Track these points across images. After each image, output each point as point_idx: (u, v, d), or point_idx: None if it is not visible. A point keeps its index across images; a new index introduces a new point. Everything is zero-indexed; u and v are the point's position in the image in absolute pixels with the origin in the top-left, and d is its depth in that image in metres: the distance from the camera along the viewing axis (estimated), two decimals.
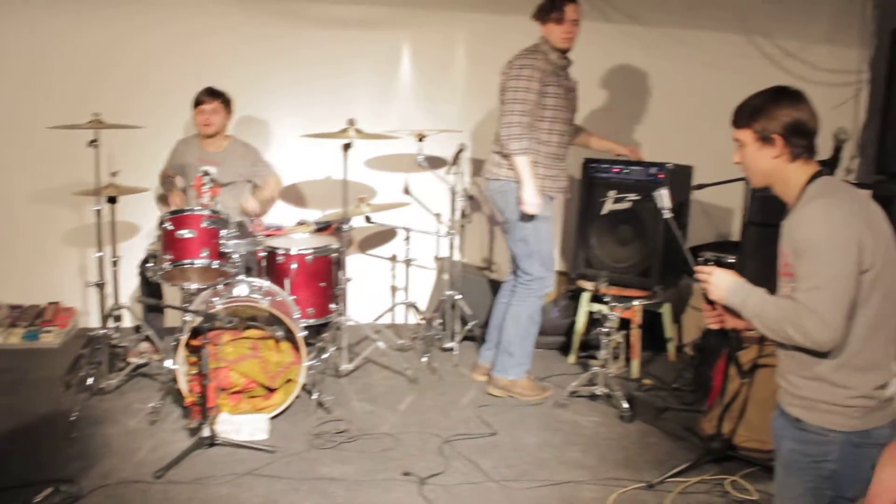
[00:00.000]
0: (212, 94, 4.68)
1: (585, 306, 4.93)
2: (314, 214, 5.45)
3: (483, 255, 5.87)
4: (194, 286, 4.11)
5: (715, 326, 2.34)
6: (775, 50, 5.84)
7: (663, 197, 2.62)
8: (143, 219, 5.26)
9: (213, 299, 3.94)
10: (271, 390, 4.03)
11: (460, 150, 4.90)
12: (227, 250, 3.99)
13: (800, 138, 2.09)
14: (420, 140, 4.92)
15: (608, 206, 4.82)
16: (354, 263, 5.48)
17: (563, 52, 4.18)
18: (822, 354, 2.01)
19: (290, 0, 5.37)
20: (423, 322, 5.26)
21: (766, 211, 4.18)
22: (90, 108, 4.11)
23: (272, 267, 4.54)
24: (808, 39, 5.83)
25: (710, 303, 2.30)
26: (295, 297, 4.41)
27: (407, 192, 5.65)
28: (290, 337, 4.00)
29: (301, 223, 5.03)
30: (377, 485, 3.36)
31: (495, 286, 5.03)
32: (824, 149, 3.49)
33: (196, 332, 3.71)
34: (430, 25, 5.56)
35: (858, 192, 2.11)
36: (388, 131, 4.83)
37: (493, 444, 3.81)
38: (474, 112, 5.55)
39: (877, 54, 5.74)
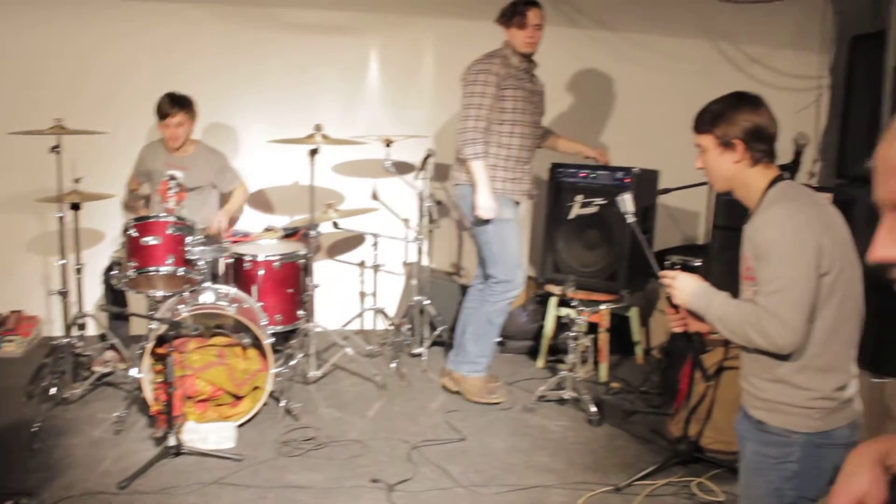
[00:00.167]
0: (175, 102, 4.56)
1: (553, 311, 4.95)
2: (282, 220, 5.42)
3: (452, 260, 5.88)
4: (160, 294, 4.07)
5: (679, 330, 2.35)
6: (740, 55, 5.92)
7: (626, 201, 2.64)
8: (108, 226, 5.20)
9: (179, 307, 3.90)
10: (238, 398, 4.00)
11: (428, 156, 4.91)
12: (192, 257, 3.97)
13: (760, 143, 2.12)
14: (387, 145, 4.92)
15: (575, 211, 4.84)
16: (323, 269, 5.45)
17: (527, 55, 4.20)
18: (783, 357, 2.04)
19: (257, 5, 5.34)
20: (392, 328, 5.25)
21: (732, 214, 4.23)
22: (53, 115, 4.06)
23: (239, 274, 4.50)
24: (771, 45, 5.92)
25: (674, 306, 2.32)
26: (262, 303, 4.38)
27: (375, 197, 5.64)
28: (257, 344, 3.97)
29: (268, 229, 5.01)
30: (345, 492, 3.34)
31: (464, 291, 5.03)
32: (786, 153, 3.55)
33: (162, 340, 3.67)
34: (397, 31, 5.56)
35: (817, 196, 2.14)
36: (355, 137, 4.82)
37: (462, 449, 3.81)
38: (442, 117, 5.56)
39: (837, 60, 5.84)
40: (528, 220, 5.71)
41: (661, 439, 3.95)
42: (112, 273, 4.41)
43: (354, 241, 5.72)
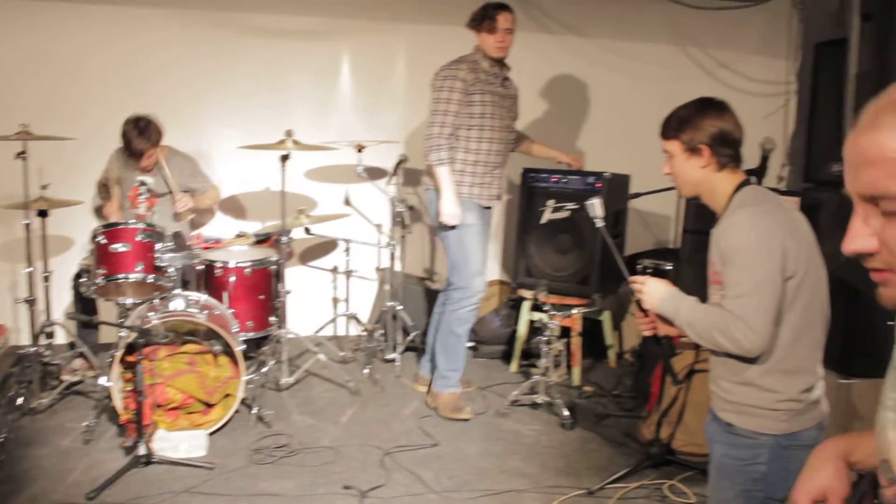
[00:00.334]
0: (142, 133, 4.42)
1: (526, 315, 4.97)
2: (254, 226, 5.38)
3: (424, 265, 5.88)
4: (129, 301, 4.03)
5: (648, 333, 2.37)
6: (709, 60, 5.98)
7: (595, 206, 2.66)
8: (76, 232, 5.13)
9: (149, 314, 3.86)
10: (209, 406, 3.97)
11: (401, 161, 4.91)
12: (162, 264, 3.93)
13: (726, 148, 2.14)
14: (359, 151, 4.91)
15: (547, 216, 4.86)
16: (295, 275, 5.44)
17: (498, 60, 4.19)
18: (750, 360, 2.06)
19: (229, 10, 5.31)
20: (365, 333, 5.24)
21: (702, 218, 4.27)
22: (20, 120, 4.01)
23: (210, 280, 4.47)
24: (740, 51, 5.99)
25: (644, 310, 2.33)
26: (234, 310, 4.35)
27: (347, 203, 5.63)
28: (228, 351, 3.94)
29: (240, 235, 4.97)
30: (318, 499, 3.33)
31: (437, 296, 5.04)
32: (754, 158, 3.60)
33: (132, 348, 3.63)
34: (369, 36, 5.55)
35: (783, 200, 2.17)
36: (327, 142, 4.80)
37: (435, 454, 3.81)
38: (414, 122, 5.56)
39: (803, 66, 5.92)
40: (500, 224, 5.73)
41: (634, 442, 3.97)
42: (81, 280, 4.36)
43: (327, 246, 5.70)
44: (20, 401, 4.01)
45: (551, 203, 4.85)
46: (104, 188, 4.77)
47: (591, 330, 5.02)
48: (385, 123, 5.56)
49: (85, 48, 5.09)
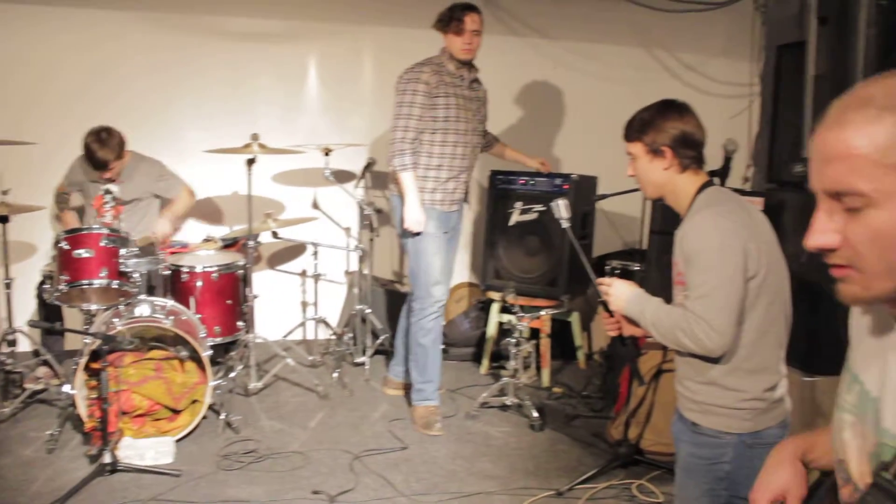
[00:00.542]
0: (104, 145, 4.34)
1: (495, 317, 4.98)
2: (221, 230, 5.35)
3: (393, 269, 5.87)
4: (94, 307, 3.97)
5: (613, 333, 2.38)
6: (675, 63, 6.04)
7: (560, 207, 2.66)
8: (39, 239, 5.06)
9: (114, 320, 3.81)
10: (177, 412, 3.93)
11: (369, 164, 4.89)
12: (127, 269, 3.87)
13: (688, 149, 2.16)
14: (327, 154, 4.89)
15: (515, 218, 4.88)
16: (263, 279, 5.40)
17: (465, 62, 4.12)
18: (714, 360, 2.08)
19: (194, 13, 5.26)
20: (334, 337, 5.21)
21: (667, 219, 4.30)
22: None
23: (177, 285, 4.42)
24: (705, 53, 6.06)
25: (609, 311, 2.35)
26: (201, 315, 4.31)
27: (316, 206, 5.60)
28: (195, 357, 3.91)
29: (207, 240, 4.93)
30: None
31: (405, 299, 5.03)
32: (718, 159, 3.63)
33: (96, 355, 3.58)
34: (336, 39, 5.53)
35: (744, 200, 2.19)
36: (294, 146, 4.78)
37: (404, 458, 3.80)
38: (381, 125, 5.52)
39: (766, 68, 5.99)
40: (468, 227, 5.73)
41: (603, 443, 3.99)
42: (44, 287, 4.29)
43: (297, 250, 5.67)
44: None
45: (519, 205, 4.87)
46: (63, 197, 4.70)
47: (560, 331, 5.04)
48: (352, 126, 5.54)
49: (49, 52, 5.01)
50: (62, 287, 3.81)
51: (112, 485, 3.38)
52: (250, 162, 4.28)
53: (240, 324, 4.52)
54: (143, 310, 3.90)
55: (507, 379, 4.34)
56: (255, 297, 4.55)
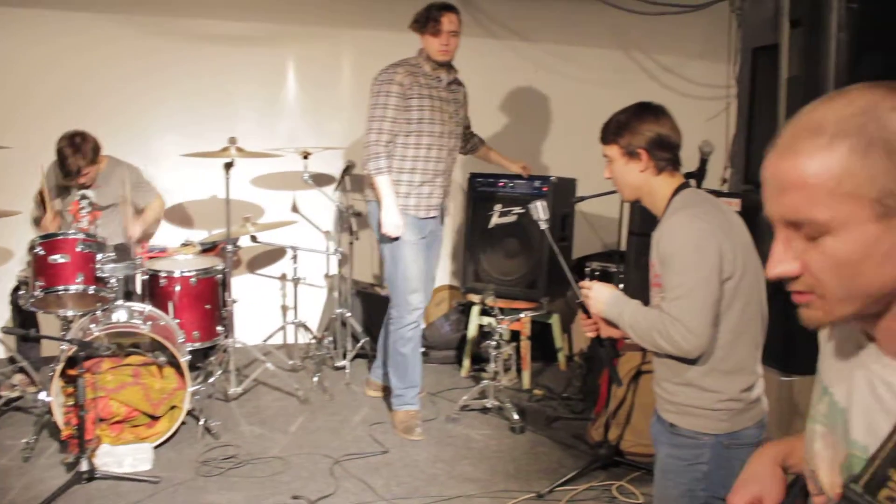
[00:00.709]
0: (77, 150, 4.28)
1: (476, 319, 4.98)
2: (200, 235, 5.30)
3: (373, 272, 5.85)
4: (70, 313, 3.93)
5: (591, 335, 2.39)
6: (653, 65, 6.07)
7: (538, 208, 2.67)
8: (14, 244, 5.00)
9: (91, 326, 3.78)
10: (155, 418, 3.90)
11: (348, 167, 4.88)
12: (104, 275, 3.84)
13: (663, 151, 2.17)
14: (305, 157, 4.87)
15: (494, 220, 4.89)
16: (243, 284, 5.38)
17: (444, 63, 4.04)
18: (691, 361, 2.09)
19: (173, 17, 5.23)
20: (314, 341, 5.19)
21: (646, 221, 4.31)
22: None
23: (155, 290, 4.39)
24: (682, 55, 6.10)
25: (587, 312, 2.35)
26: (179, 320, 4.28)
27: (295, 209, 5.58)
28: (173, 362, 3.88)
29: (185, 244, 4.90)
30: None
31: (385, 302, 5.02)
32: (694, 161, 3.65)
33: (73, 362, 3.55)
34: (315, 42, 5.52)
35: (720, 202, 2.20)
36: (273, 149, 4.76)
37: (385, 461, 3.79)
38: (360, 129, 5.47)
39: (742, 70, 6.04)
40: (448, 229, 5.73)
41: (583, 444, 4.00)
42: (19, 293, 4.24)
43: (277, 254, 5.64)
44: None
45: (498, 207, 4.87)
46: (42, 200, 4.65)
47: (541, 333, 5.05)
48: (331, 130, 5.53)
49: (27, 57, 4.96)
50: (37, 293, 3.77)
51: (90, 493, 3.35)
52: (228, 166, 4.26)
53: (219, 328, 4.50)
54: (120, 315, 3.87)
55: (487, 381, 4.34)
56: (235, 301, 4.53)
